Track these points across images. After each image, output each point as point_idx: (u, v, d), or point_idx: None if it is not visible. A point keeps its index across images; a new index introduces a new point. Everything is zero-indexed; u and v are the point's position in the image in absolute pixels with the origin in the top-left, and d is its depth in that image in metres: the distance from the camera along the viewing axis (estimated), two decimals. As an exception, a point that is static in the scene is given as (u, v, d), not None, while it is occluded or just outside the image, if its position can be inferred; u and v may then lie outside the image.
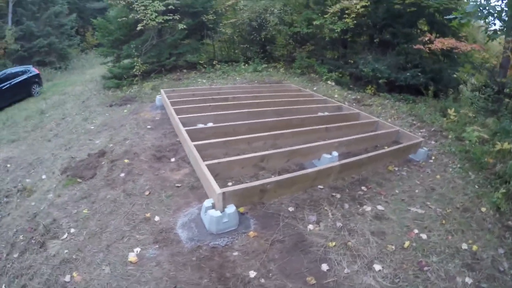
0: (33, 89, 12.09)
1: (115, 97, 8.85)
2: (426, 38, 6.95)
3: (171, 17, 9.40)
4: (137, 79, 9.65)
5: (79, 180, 4.41)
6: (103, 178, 4.33)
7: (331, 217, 3.55)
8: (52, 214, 3.77)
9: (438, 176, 4.75)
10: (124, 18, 9.26)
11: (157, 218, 3.46)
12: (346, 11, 8.39)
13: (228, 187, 3.28)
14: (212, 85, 9.21)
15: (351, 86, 9.04)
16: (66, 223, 3.57)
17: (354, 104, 8.02)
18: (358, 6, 7.98)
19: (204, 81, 9.81)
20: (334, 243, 3.17)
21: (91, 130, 6.85)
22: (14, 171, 5.42)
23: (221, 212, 3.08)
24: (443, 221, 3.69)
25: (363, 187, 4.26)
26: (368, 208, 3.78)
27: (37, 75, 12.54)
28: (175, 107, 5.97)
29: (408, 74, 8.14)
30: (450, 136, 6.05)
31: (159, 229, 3.30)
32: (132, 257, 2.97)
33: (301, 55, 10.59)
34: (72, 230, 3.45)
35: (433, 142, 5.99)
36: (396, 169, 4.95)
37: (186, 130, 4.60)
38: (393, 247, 3.21)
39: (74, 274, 2.88)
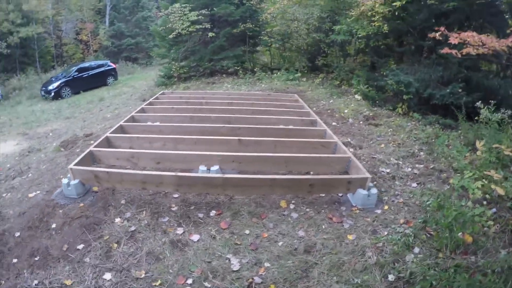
0: (108, 80, 14.45)
1: (154, 94, 9.83)
2: (455, 38, 4.38)
3: (203, 26, 9.82)
4: (175, 80, 10.54)
5: (62, 149, 5.80)
6: (70, 150, 5.57)
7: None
8: (32, 164, 5.52)
9: (350, 237, 3.11)
10: (166, 27, 10.30)
11: (63, 179, 3.96)
12: (373, 14, 6.63)
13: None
14: (230, 90, 9.10)
15: (377, 102, 7.03)
16: (32, 171, 5.21)
17: (360, 122, 6.25)
18: (382, 8, 6.15)
19: (229, 86, 9.82)
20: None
21: (105, 118, 8.08)
22: (49, 138, 7.32)
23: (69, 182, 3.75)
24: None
25: (213, 211, 3.48)
26: (179, 231, 3.17)
27: (113, 69, 14.91)
28: (145, 105, 6.59)
29: (447, 90, 5.65)
30: (451, 182, 3.83)
31: (56, 185, 4.20)
32: (31, 194, 4.13)
33: (342, 66, 9.01)
34: (30, 175, 5.00)
35: (414, 185, 3.99)
36: (292, 206, 3.60)
37: (121, 124, 5.22)
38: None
39: (9, 195, 4.23)
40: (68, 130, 7.53)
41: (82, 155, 4.07)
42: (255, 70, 10.81)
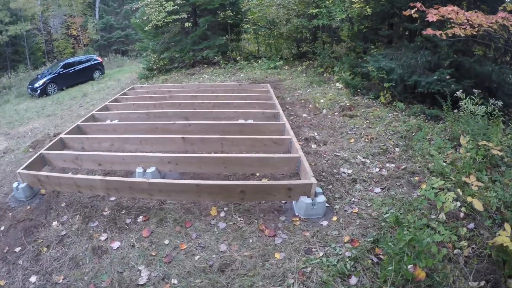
0: (95, 74, 13.88)
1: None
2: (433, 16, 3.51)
3: (181, 16, 9.23)
4: (155, 73, 9.98)
5: (30, 150, 5.64)
6: (36, 151, 5.30)
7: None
8: (1, 166, 5.33)
9: (277, 256, 2.53)
10: (143, 19, 9.71)
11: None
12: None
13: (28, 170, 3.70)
14: (206, 81, 8.48)
15: (359, 90, 6.25)
16: None
17: (335, 113, 5.52)
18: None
19: (207, 77, 9.22)
20: None
21: (80, 115, 7.74)
22: (27, 137, 7.00)
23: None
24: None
25: (140, 217, 3.20)
26: (103, 237, 2.99)
27: (100, 63, 14.31)
28: (108, 103, 6.15)
29: (434, 77, 4.83)
30: (420, 190, 3.09)
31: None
32: None
33: (324, 52, 8.19)
34: None
35: (376, 190, 3.31)
36: (223, 214, 3.08)
37: (78, 124, 4.91)
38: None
39: None
40: (45, 129, 7.28)
41: (33, 158, 3.97)
42: (237, 59, 10.11)
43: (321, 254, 2.46)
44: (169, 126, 4.66)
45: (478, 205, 2.38)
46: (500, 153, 3.26)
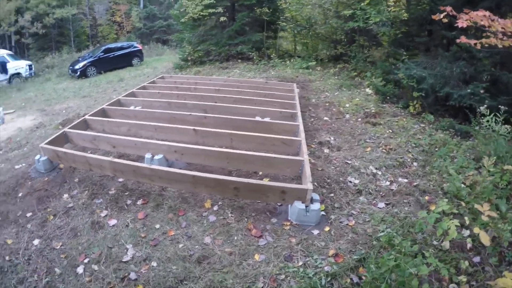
0: (134, 61, 14.41)
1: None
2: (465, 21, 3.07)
3: (215, 11, 9.37)
4: (189, 64, 10.29)
5: (60, 127, 6.01)
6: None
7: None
8: (32, 139, 5.81)
9: (256, 257, 2.49)
10: (181, 11, 9.98)
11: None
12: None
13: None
14: (237, 76, 8.57)
15: (388, 97, 5.88)
16: (28, 146, 5.53)
17: (358, 119, 5.27)
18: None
19: (238, 72, 9.27)
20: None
21: (112, 98, 7.75)
22: (61, 115, 7.54)
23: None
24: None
25: (140, 200, 3.37)
26: (104, 214, 3.22)
27: (139, 50, 14.87)
28: (136, 89, 6.52)
29: (468, 90, 4.37)
30: (432, 209, 2.83)
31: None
32: (17, 166, 4.48)
33: (359, 56, 7.81)
34: (25, 149, 5.29)
35: (380, 205, 3.13)
36: (215, 208, 3.12)
37: (103, 107, 5.24)
38: None
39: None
40: (77, 109, 7.74)
41: (56, 134, 4.31)
42: (271, 56, 10.04)
43: (300, 263, 2.38)
44: (186, 117, 4.79)
45: (484, 238, 2.12)
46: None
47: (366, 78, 6.86)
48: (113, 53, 14.06)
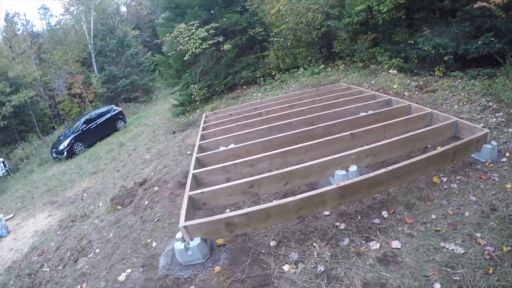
0: (118, 124, 13.97)
1: (180, 124, 9.80)
2: None
3: (215, 40, 9.85)
4: (198, 104, 10.45)
5: (119, 207, 5.10)
6: (134, 205, 4.92)
7: (315, 257, 2.86)
8: (91, 236, 4.57)
9: (508, 186, 3.42)
10: (174, 52, 10.14)
11: (154, 244, 3.77)
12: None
13: (194, 220, 3.19)
14: (263, 98, 9.09)
15: (415, 71, 7.57)
16: (96, 244, 4.28)
17: (416, 92, 6.69)
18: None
19: (260, 94, 9.79)
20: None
21: (146, 159, 7.52)
22: (86, 199, 6.38)
23: (187, 245, 3.06)
24: (490, 271, 2.41)
25: (383, 212, 3.30)
26: (376, 246, 2.87)
27: (120, 112, 14.45)
28: (203, 132, 6.24)
29: (479, 42, 6.22)
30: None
31: (151, 254, 3.58)
32: (121, 277, 3.38)
33: (360, 47, 9.50)
34: (97, 250, 4.11)
35: (511, 130, 4.45)
36: (445, 179, 3.78)
37: (197, 157, 4.68)
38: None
39: (84, 285, 3.50)
40: (106, 186, 6.74)
41: (184, 205, 3.34)
42: (273, 74, 10.96)
43: None
44: (313, 131, 4.98)
45: None
46: None
47: (383, 62, 8.41)
48: (94, 122, 13.36)
